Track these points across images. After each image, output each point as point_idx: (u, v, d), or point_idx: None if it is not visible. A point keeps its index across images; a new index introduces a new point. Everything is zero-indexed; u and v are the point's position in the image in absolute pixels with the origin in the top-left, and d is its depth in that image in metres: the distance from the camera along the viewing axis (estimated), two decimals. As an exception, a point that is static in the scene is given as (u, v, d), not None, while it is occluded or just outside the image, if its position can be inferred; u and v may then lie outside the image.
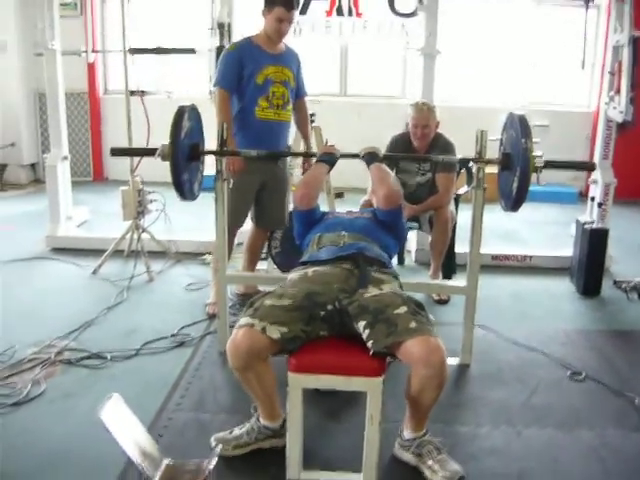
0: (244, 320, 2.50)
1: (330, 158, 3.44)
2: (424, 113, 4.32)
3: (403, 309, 2.50)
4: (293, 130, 4.41)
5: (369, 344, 2.45)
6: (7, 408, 3.04)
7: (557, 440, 2.89)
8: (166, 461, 1.94)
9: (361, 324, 2.51)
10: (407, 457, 2.64)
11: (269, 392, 2.62)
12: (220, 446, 2.62)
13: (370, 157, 3.39)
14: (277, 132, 4.09)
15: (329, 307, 2.58)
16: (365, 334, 2.48)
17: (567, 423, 3.02)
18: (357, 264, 2.76)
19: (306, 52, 7.56)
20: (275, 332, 2.43)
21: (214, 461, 1.92)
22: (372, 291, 2.63)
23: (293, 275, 2.85)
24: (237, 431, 2.73)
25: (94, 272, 4.91)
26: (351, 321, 2.55)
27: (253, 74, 3.95)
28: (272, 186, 4.15)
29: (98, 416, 1.82)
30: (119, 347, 3.66)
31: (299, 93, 4.28)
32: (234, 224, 3.74)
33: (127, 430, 1.90)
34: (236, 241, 5.44)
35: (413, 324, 2.43)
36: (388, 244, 3.08)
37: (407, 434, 2.65)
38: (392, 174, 3.40)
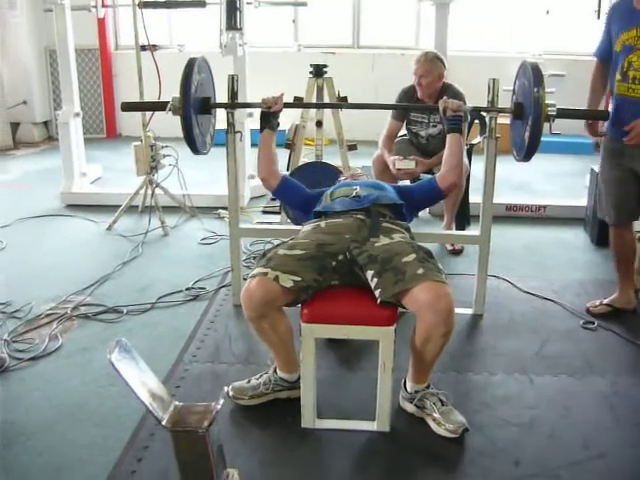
0: (257, 270, 2.51)
1: (269, 121, 3.28)
2: (421, 63, 4.27)
3: (412, 257, 2.51)
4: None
5: (376, 293, 2.46)
6: (25, 363, 3.09)
7: (569, 388, 2.92)
8: (175, 403, 1.97)
9: (369, 273, 2.52)
10: (411, 409, 2.67)
11: (285, 341, 2.64)
12: (229, 389, 2.70)
13: (456, 123, 3.18)
14: (633, 113, 3.20)
15: (340, 257, 2.60)
16: (373, 283, 2.49)
17: (579, 371, 3.03)
18: (369, 214, 2.77)
19: (319, 4, 7.56)
20: (288, 281, 2.45)
21: (221, 402, 1.95)
22: (382, 240, 2.63)
23: (306, 227, 2.87)
24: (254, 381, 2.77)
25: (109, 228, 4.94)
26: (360, 271, 2.57)
27: (613, 40, 3.29)
28: None
29: (107, 358, 1.85)
30: (135, 301, 3.71)
31: None
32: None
33: (136, 373, 1.93)
34: (250, 195, 5.49)
35: (421, 270, 2.43)
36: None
37: (410, 387, 2.66)
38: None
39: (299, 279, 2.47)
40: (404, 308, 2.48)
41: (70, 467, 2.41)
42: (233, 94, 3.40)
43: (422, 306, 2.39)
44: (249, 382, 2.77)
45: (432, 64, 4.27)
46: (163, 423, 1.89)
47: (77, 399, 2.81)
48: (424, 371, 2.62)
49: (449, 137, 3.16)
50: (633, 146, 3.20)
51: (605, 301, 3.64)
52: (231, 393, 2.73)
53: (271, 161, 3.23)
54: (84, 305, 3.67)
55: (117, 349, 1.93)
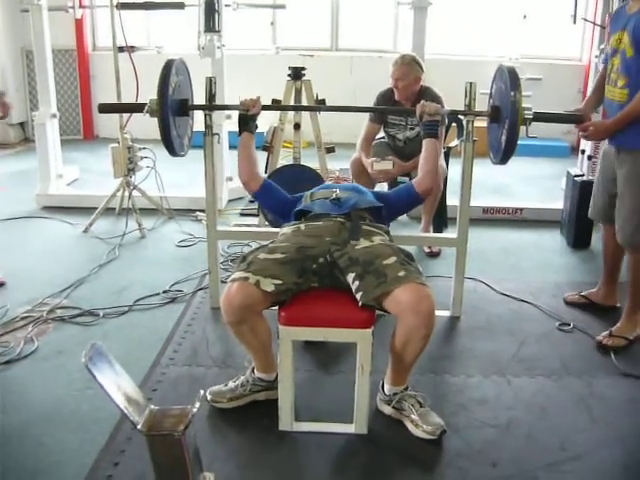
0: (238, 274, 2.51)
1: (248, 124, 3.27)
2: (397, 66, 4.29)
3: (392, 259, 2.53)
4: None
5: (358, 296, 2.47)
6: (0, 366, 3.06)
7: (546, 389, 2.94)
8: (150, 407, 1.96)
9: (350, 276, 2.53)
10: (389, 411, 2.67)
11: (264, 344, 2.64)
12: (207, 391, 2.70)
13: (432, 129, 3.21)
14: (608, 114, 3.32)
15: (320, 260, 2.60)
16: (354, 286, 2.50)
17: (556, 373, 3.06)
18: (349, 217, 2.78)
19: (297, 7, 7.56)
20: (269, 285, 2.45)
21: (197, 405, 1.95)
22: (363, 243, 2.65)
23: (285, 229, 2.87)
24: (232, 384, 2.76)
25: (85, 230, 4.91)
26: (341, 273, 2.57)
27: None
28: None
29: (82, 362, 1.84)
30: (111, 304, 3.68)
31: None
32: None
33: (111, 377, 1.92)
34: (228, 197, 5.48)
35: (402, 272, 2.45)
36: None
37: (388, 389, 2.67)
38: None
39: (280, 282, 2.47)
40: (384, 311, 2.50)
41: (46, 471, 2.39)
42: (211, 96, 3.39)
43: (404, 308, 2.40)
44: (227, 385, 2.77)
45: (409, 67, 4.29)
46: (138, 427, 1.88)
47: (53, 403, 2.79)
48: (403, 373, 2.62)
49: (425, 142, 3.18)
50: (617, 149, 3.24)
51: (582, 293, 3.75)
52: (209, 397, 2.72)
53: (251, 164, 3.21)
54: (60, 308, 3.64)
55: (92, 353, 1.92)
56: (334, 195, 2.95)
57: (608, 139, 3.32)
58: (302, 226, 2.82)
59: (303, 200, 3.05)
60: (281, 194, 3.20)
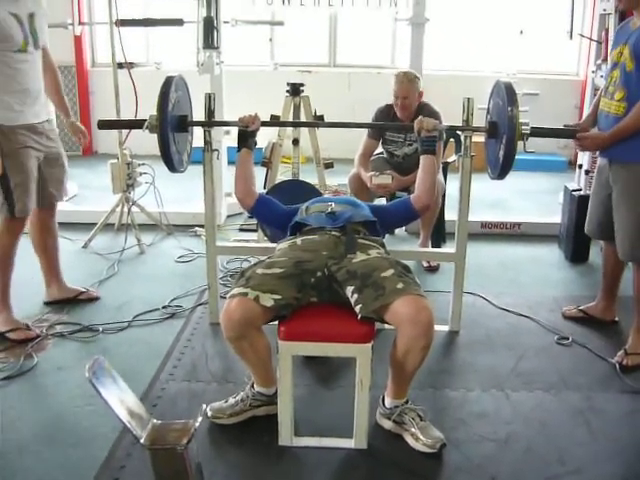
0: (237, 290, 2.52)
1: (247, 140, 3.30)
2: (403, 85, 4.32)
3: (390, 272, 2.54)
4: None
5: (357, 309, 2.49)
6: (0, 382, 3.06)
7: (545, 403, 2.94)
8: (153, 421, 1.98)
9: (349, 289, 2.54)
10: (388, 425, 2.68)
11: (264, 359, 2.65)
12: (207, 407, 2.69)
13: (430, 145, 3.22)
14: (603, 126, 3.30)
15: (318, 274, 2.62)
16: (353, 299, 2.52)
17: (554, 387, 3.06)
18: (344, 231, 2.80)
19: (295, 23, 7.60)
20: (268, 300, 2.46)
21: (199, 420, 1.96)
22: (360, 256, 2.67)
23: (282, 245, 2.89)
24: (232, 400, 2.77)
25: (85, 246, 4.91)
26: (340, 287, 2.59)
27: None
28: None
29: (86, 377, 1.85)
30: (111, 320, 3.68)
31: None
32: None
33: (114, 392, 1.93)
34: (227, 212, 5.49)
35: (400, 285, 2.47)
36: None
37: (388, 402, 2.68)
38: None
39: (279, 297, 2.48)
40: (384, 323, 2.51)
41: (46, 487, 2.38)
42: (210, 112, 3.41)
43: (403, 319, 2.41)
44: (227, 402, 2.77)
45: (413, 84, 4.32)
46: (141, 441, 1.89)
47: (53, 418, 2.79)
48: (403, 386, 2.63)
49: (423, 159, 3.19)
50: (610, 162, 3.27)
51: (580, 307, 3.76)
52: (210, 413, 2.72)
53: (248, 181, 3.24)
54: (59, 324, 3.64)
55: (95, 367, 1.93)
56: (329, 209, 2.98)
57: (600, 152, 3.35)
58: (298, 241, 2.83)
59: (299, 213, 3.07)
60: (277, 207, 3.22)
